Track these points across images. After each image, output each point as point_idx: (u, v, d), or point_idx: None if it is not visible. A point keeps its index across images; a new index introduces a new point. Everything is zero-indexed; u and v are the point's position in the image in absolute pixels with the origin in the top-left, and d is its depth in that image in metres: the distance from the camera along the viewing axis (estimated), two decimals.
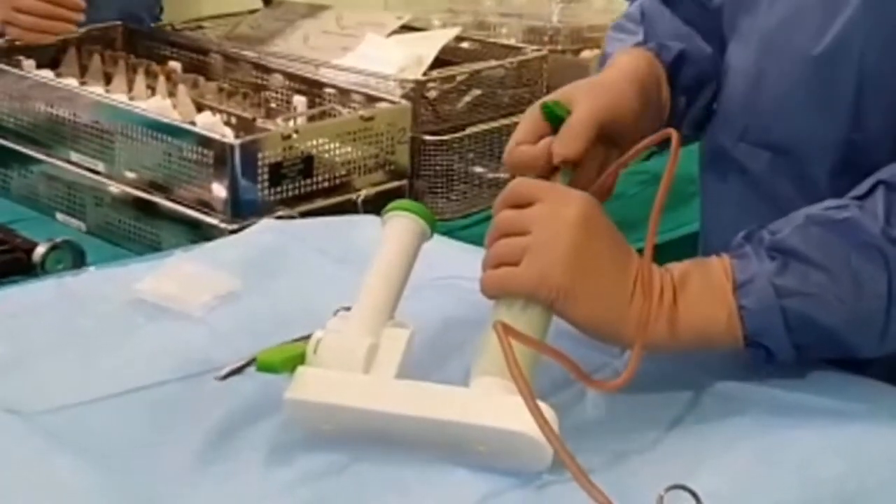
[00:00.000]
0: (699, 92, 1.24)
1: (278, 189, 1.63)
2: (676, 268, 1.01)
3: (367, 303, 0.99)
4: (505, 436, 0.89)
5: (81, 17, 2.07)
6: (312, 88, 1.91)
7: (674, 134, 1.05)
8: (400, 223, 1.05)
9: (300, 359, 0.95)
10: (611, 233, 1.00)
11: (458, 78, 1.93)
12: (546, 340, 0.97)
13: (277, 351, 0.96)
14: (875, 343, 1.00)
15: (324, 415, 0.93)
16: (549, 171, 1.07)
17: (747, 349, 1.00)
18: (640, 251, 1.01)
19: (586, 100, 1.09)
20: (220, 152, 1.59)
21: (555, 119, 1.08)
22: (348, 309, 1.01)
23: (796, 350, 1.00)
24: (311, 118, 1.82)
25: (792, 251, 0.98)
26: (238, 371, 0.96)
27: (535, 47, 2.09)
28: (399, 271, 1.02)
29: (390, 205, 1.06)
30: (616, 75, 1.16)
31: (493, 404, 0.91)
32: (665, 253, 1.07)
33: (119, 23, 2.15)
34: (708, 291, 0.99)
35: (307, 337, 0.97)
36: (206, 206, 1.62)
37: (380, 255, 1.03)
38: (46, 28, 2.04)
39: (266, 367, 0.94)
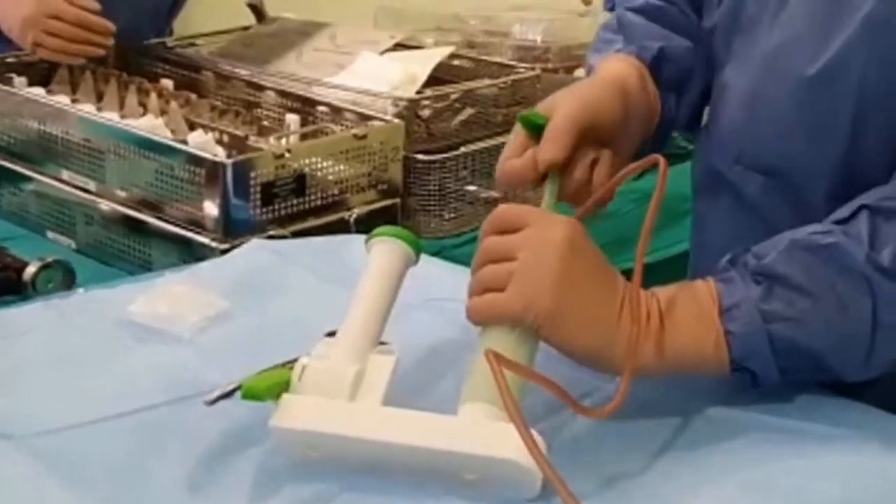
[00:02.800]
0: (685, 86, 1.26)
1: (271, 208, 1.62)
2: (663, 292, 1.01)
3: (352, 329, 0.99)
4: (493, 463, 0.88)
5: (110, 41, 2.07)
6: (305, 106, 1.91)
7: (661, 161, 1.05)
8: (385, 248, 1.04)
9: (285, 386, 0.94)
10: (596, 257, 0.99)
11: (452, 96, 1.92)
12: (533, 366, 0.96)
13: (262, 378, 0.95)
14: (860, 367, 1.00)
15: (310, 443, 0.92)
16: (538, 180, 1.09)
17: (733, 374, 1.00)
18: (630, 271, 1.01)
19: (562, 105, 1.11)
20: (212, 171, 1.59)
21: (535, 129, 1.10)
22: (333, 334, 1.00)
23: (781, 374, 0.99)
24: (303, 136, 1.81)
25: (777, 276, 0.98)
26: (228, 395, 0.95)
27: (527, 66, 2.08)
28: (384, 297, 1.01)
29: (375, 230, 1.06)
30: (593, 81, 1.18)
31: (481, 431, 0.90)
32: (657, 272, 1.07)
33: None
34: (695, 316, 0.99)
35: (293, 361, 0.96)
36: (197, 225, 1.61)
37: (365, 281, 1.02)
38: (74, 51, 2.03)
39: (251, 396, 0.93)
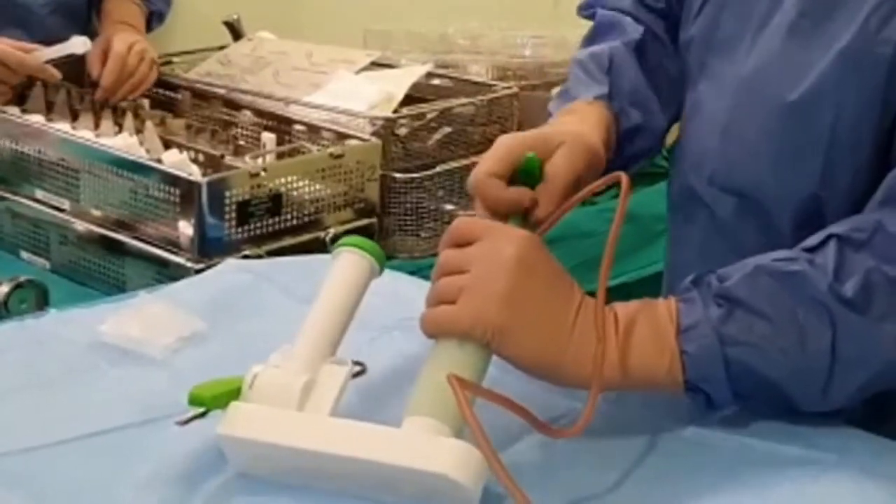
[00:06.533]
0: (636, 162, 1.25)
1: (246, 227, 1.62)
2: (622, 308, 1.00)
3: (307, 339, 0.98)
4: (429, 477, 0.88)
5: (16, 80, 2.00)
6: (282, 125, 1.91)
7: (624, 178, 1.04)
8: (347, 259, 1.03)
9: (235, 394, 0.94)
10: (550, 271, 0.99)
11: (429, 115, 1.93)
12: (485, 378, 0.96)
13: (211, 385, 0.94)
14: (817, 398, 0.99)
15: (254, 451, 0.92)
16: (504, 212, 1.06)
17: (687, 394, 0.99)
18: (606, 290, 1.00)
19: (570, 157, 1.08)
20: (188, 190, 1.58)
21: (529, 172, 1.07)
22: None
23: (735, 398, 0.99)
24: (280, 155, 1.81)
25: (738, 300, 0.98)
26: (201, 415, 0.95)
27: (505, 84, 2.08)
28: (343, 308, 1.01)
29: (340, 241, 1.05)
30: (593, 133, 1.15)
31: (420, 445, 0.89)
32: (633, 292, 1.07)
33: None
34: (652, 333, 0.99)
35: None
36: (172, 244, 1.60)
37: (324, 291, 1.02)
38: None
39: (196, 402, 0.93)
